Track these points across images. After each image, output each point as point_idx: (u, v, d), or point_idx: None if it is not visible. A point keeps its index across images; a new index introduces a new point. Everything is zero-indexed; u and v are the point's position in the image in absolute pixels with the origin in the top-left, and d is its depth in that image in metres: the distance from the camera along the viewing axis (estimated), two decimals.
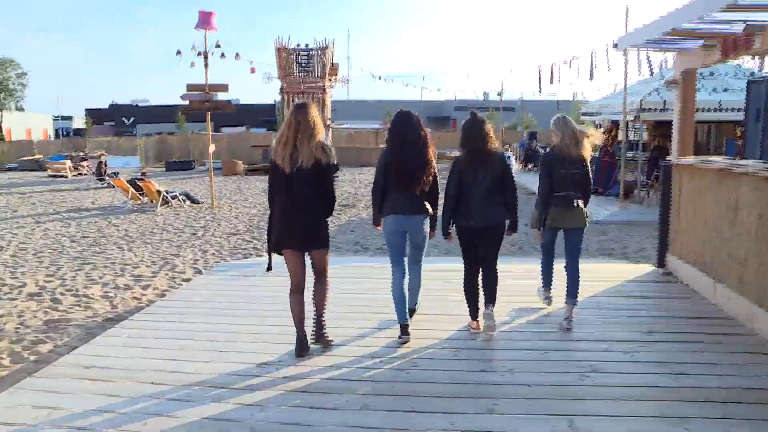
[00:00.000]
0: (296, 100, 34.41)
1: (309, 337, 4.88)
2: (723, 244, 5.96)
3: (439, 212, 5.27)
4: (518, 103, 66.68)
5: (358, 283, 7.16)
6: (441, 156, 27.09)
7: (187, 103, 16.24)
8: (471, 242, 5.18)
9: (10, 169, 36.31)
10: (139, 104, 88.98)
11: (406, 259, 5.25)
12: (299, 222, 4.63)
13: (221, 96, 16.38)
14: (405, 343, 5.00)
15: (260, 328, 5.54)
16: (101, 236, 12.28)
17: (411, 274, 5.30)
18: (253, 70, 17.89)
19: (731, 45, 5.86)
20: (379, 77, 34.61)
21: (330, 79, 35.51)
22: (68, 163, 28.54)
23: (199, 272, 9.00)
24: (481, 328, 5.23)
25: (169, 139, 41.67)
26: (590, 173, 5.47)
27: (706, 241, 6.42)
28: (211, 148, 16.68)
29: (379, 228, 5.36)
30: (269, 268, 4.94)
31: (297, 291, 4.81)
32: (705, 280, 6.35)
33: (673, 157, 7.65)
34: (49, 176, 29.86)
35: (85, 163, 26.81)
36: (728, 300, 5.79)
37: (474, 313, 5.33)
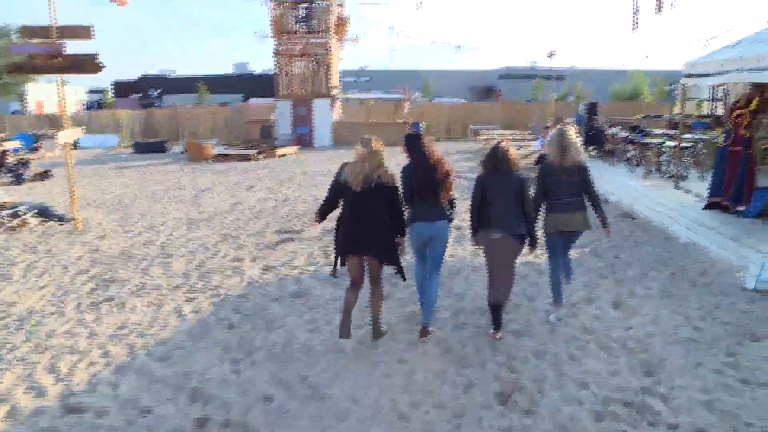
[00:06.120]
0: (295, 64, 25.20)
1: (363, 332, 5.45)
2: None
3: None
4: (568, 71, 58.91)
5: None
6: (477, 132, 19.93)
7: (21, 59, 9.58)
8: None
9: None
10: (169, 75, 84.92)
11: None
12: (367, 233, 5.14)
13: (79, 46, 9.72)
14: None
15: None
16: None
17: (431, 282, 5.49)
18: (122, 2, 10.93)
19: None
20: (398, 35, 27.38)
21: (338, 38, 28.47)
22: None
23: None
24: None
25: (156, 113, 35.28)
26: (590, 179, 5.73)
27: None
28: (66, 135, 10.00)
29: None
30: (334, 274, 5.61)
31: (354, 286, 5.30)
32: None
33: None
34: None
35: None
36: None
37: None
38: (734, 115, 10.25)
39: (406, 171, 5.48)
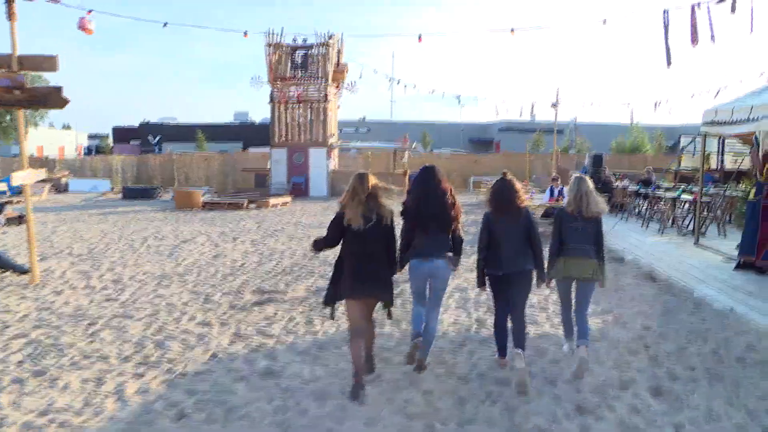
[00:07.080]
0: (291, 111, 23.52)
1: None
2: None
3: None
4: (570, 125, 58.68)
5: None
6: (477, 185, 19.00)
7: None
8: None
9: None
10: (169, 122, 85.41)
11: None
12: (372, 274, 4.95)
13: (34, 77, 8.79)
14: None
15: None
16: None
17: (430, 315, 5.26)
18: (83, 26, 10.10)
19: None
20: (401, 85, 26.73)
21: (336, 85, 27.73)
22: None
23: None
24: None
25: (150, 159, 34.54)
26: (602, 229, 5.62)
27: None
28: (21, 176, 8.98)
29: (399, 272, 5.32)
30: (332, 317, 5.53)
31: (359, 335, 4.95)
32: None
33: None
34: None
35: None
36: None
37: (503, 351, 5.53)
38: (767, 166, 9.31)
39: (409, 201, 5.28)
